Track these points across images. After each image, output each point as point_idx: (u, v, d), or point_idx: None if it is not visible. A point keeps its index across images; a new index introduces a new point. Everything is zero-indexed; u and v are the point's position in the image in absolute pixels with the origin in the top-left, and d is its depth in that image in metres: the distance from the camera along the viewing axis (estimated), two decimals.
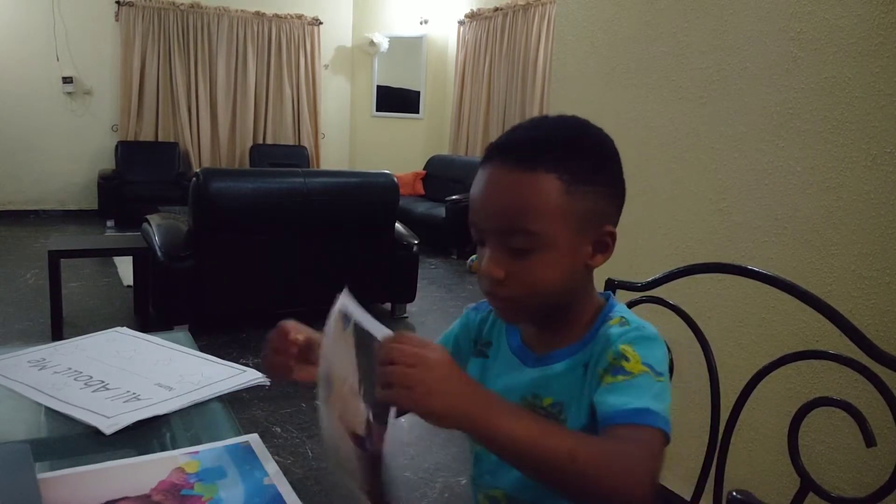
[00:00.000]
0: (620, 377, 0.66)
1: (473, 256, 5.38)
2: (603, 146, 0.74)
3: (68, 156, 7.21)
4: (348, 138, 8.58)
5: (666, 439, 0.63)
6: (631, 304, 1.07)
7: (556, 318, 0.76)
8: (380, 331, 0.59)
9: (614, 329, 0.72)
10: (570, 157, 0.69)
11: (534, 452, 0.56)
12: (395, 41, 8.01)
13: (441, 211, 5.95)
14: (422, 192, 7.18)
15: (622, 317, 0.74)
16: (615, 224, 0.74)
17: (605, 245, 0.73)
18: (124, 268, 4.46)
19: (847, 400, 0.84)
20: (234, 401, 0.93)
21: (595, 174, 0.71)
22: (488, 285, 0.72)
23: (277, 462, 0.76)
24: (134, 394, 0.93)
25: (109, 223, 6.68)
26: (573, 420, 0.72)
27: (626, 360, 0.67)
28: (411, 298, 4.11)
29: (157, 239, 3.43)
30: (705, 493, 0.99)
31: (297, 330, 0.77)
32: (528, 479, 0.74)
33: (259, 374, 1.01)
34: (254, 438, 0.82)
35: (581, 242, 0.71)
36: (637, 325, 0.72)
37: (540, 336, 0.79)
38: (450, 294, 4.70)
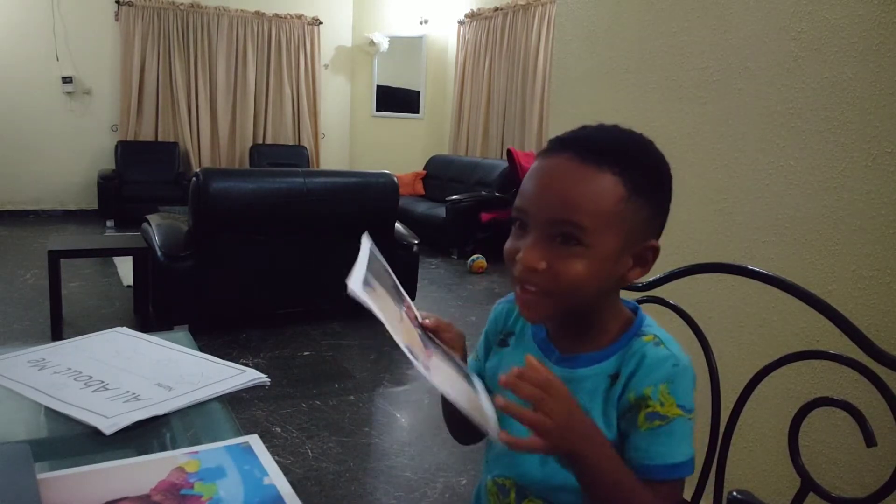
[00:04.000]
0: (657, 422, 0.69)
1: (474, 257, 5.37)
2: (663, 164, 0.75)
3: (68, 156, 7.21)
4: (348, 138, 8.58)
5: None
6: None
7: (581, 321, 0.76)
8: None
9: (650, 350, 0.72)
10: (635, 167, 0.70)
11: (610, 493, 0.66)
12: (395, 41, 8.02)
13: (441, 211, 5.94)
14: (422, 192, 7.18)
15: (655, 335, 0.74)
16: (657, 239, 0.75)
17: (644, 259, 0.74)
18: (124, 268, 4.47)
19: (847, 400, 0.84)
20: (234, 401, 0.93)
21: (652, 189, 0.72)
22: (523, 273, 0.70)
23: (277, 462, 0.76)
24: (134, 394, 0.93)
25: (109, 223, 6.68)
26: None
27: (662, 403, 0.70)
28: (411, 298, 4.10)
29: (156, 239, 3.43)
30: (705, 493, 0.99)
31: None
32: (539, 472, 0.76)
33: (259, 374, 1.00)
34: (254, 438, 0.82)
35: (624, 253, 0.72)
36: (673, 351, 0.72)
37: (564, 333, 0.79)
38: (450, 294, 4.70)
